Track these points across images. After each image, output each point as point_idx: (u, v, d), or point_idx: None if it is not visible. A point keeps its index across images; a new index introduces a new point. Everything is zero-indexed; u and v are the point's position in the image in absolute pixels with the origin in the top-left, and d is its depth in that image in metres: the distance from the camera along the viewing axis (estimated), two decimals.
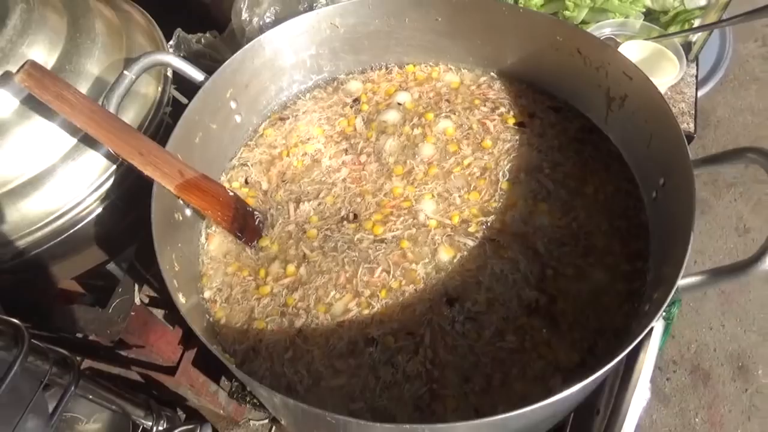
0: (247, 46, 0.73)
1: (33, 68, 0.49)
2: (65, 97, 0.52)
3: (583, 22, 0.87)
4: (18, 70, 0.49)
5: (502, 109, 0.78)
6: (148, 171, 0.58)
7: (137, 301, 0.84)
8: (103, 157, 0.73)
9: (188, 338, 0.95)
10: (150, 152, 0.58)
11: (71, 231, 0.73)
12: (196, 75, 0.70)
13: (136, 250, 0.85)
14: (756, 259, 0.49)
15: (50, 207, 0.72)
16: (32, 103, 0.70)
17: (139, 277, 0.82)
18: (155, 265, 0.60)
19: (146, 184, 0.66)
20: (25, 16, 0.70)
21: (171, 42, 0.89)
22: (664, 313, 0.60)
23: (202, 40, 0.91)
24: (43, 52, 0.71)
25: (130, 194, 0.77)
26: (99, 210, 0.76)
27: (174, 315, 0.96)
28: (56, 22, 0.74)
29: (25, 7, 0.71)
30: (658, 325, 0.61)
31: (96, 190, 0.74)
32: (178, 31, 0.91)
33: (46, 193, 0.72)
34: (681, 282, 0.52)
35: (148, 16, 0.87)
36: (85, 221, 0.76)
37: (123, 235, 0.83)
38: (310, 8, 0.82)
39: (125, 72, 0.64)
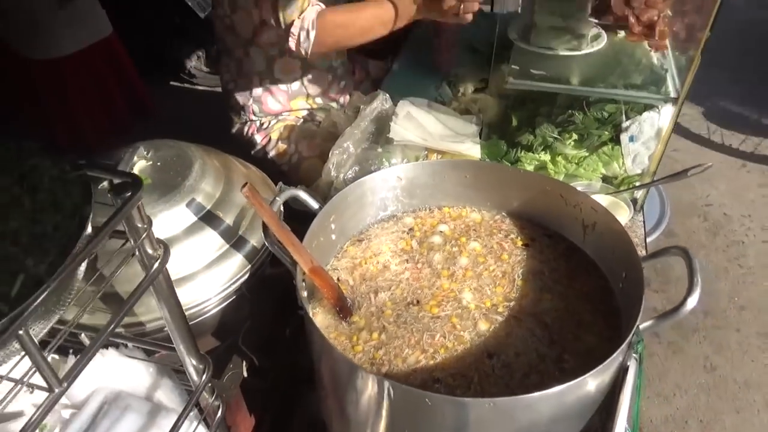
0: (345, 190, 1.10)
1: (249, 187, 0.85)
2: (262, 205, 0.87)
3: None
4: (243, 186, 0.84)
5: (512, 235, 1.15)
6: (296, 256, 0.91)
7: (245, 374, 1.10)
8: (239, 261, 1.06)
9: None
10: (297, 244, 0.92)
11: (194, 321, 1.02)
12: (314, 204, 1.06)
13: (243, 334, 1.13)
14: (681, 304, 0.82)
15: (185, 300, 1.02)
16: (196, 224, 1.05)
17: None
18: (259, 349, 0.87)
19: (267, 279, 0.98)
20: (202, 166, 1.09)
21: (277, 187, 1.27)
22: (635, 355, 0.90)
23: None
24: (212, 186, 1.08)
25: (254, 289, 1.08)
26: (223, 305, 1.06)
27: (254, 402, 1.19)
28: (218, 171, 1.12)
29: (200, 161, 1.10)
30: (632, 363, 0.90)
31: (226, 288, 1.05)
32: (280, 184, 1.29)
33: (188, 289, 1.03)
34: (642, 325, 0.83)
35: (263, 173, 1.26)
36: (209, 314, 1.06)
37: (237, 324, 1.12)
38: (378, 168, 1.21)
39: (277, 198, 1.00)
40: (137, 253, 0.67)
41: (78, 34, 2.62)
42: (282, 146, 1.58)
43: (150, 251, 0.68)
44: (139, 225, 0.65)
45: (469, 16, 1.26)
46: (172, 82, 3.72)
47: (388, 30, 1.36)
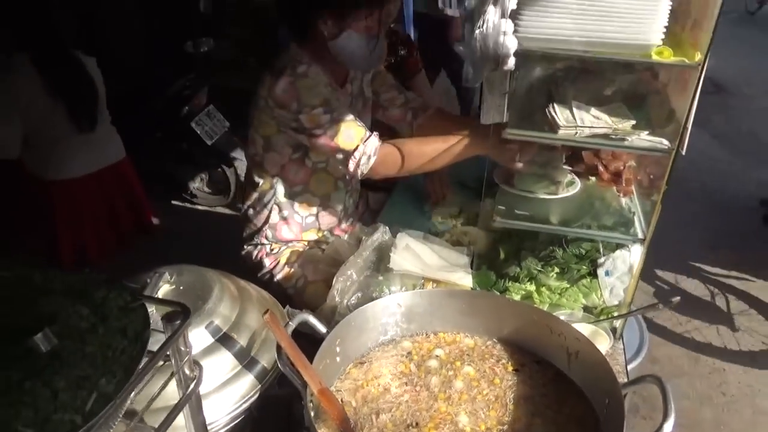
0: (349, 315, 1.20)
1: (270, 314, 0.95)
2: (280, 330, 0.96)
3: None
4: (265, 313, 0.95)
5: (504, 361, 1.24)
6: (306, 377, 0.99)
7: None
8: (249, 381, 1.14)
9: None
10: (308, 366, 1.00)
11: None
12: (322, 328, 1.16)
13: None
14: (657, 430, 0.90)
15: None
16: (213, 345, 1.13)
17: None
18: None
19: (273, 400, 1.05)
20: (220, 290, 1.19)
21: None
22: None
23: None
24: (229, 310, 1.18)
25: (262, 409, 1.14)
26: (232, 424, 1.12)
27: None
28: (234, 295, 1.23)
29: (219, 286, 1.20)
30: None
31: (236, 408, 1.11)
32: (287, 308, 1.39)
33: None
34: None
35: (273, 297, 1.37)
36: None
37: None
38: (379, 296, 1.33)
39: (290, 323, 1.10)
40: (177, 373, 0.76)
41: (93, 158, 2.81)
42: (289, 270, 1.70)
43: (188, 372, 0.77)
44: (183, 348, 0.75)
45: (521, 165, 1.41)
46: (174, 201, 3.90)
47: (443, 165, 1.56)
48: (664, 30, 1.07)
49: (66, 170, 2.72)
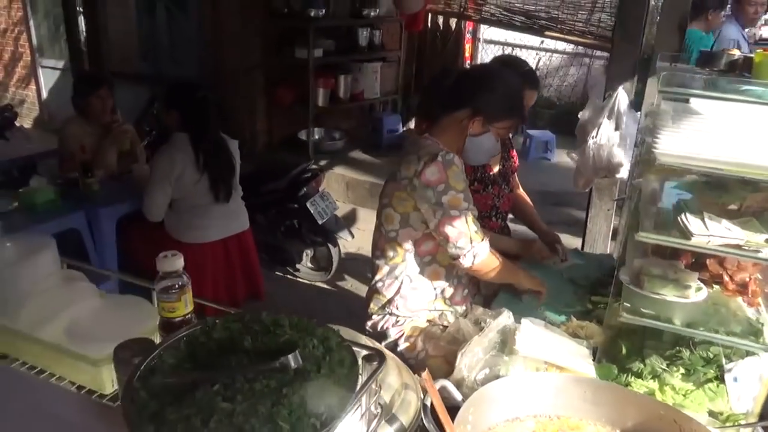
0: (483, 388, 1.30)
1: (427, 373, 1.08)
2: (433, 388, 1.09)
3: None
4: (423, 371, 1.07)
5: None
6: None
7: None
8: None
9: None
10: (451, 425, 1.10)
11: None
12: (458, 396, 1.26)
13: None
14: None
15: None
16: None
17: None
18: None
19: None
20: None
21: None
22: None
23: None
24: None
25: None
26: None
27: None
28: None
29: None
30: None
31: None
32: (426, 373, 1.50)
33: None
34: None
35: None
36: None
37: None
38: (505, 374, 1.42)
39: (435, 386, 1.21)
40: (368, 408, 0.89)
41: (224, 226, 3.14)
42: (412, 342, 1.83)
43: (373, 410, 0.91)
44: (374, 387, 0.89)
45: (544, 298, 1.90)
46: (277, 272, 4.17)
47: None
48: None
49: (200, 235, 3.05)
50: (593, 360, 1.50)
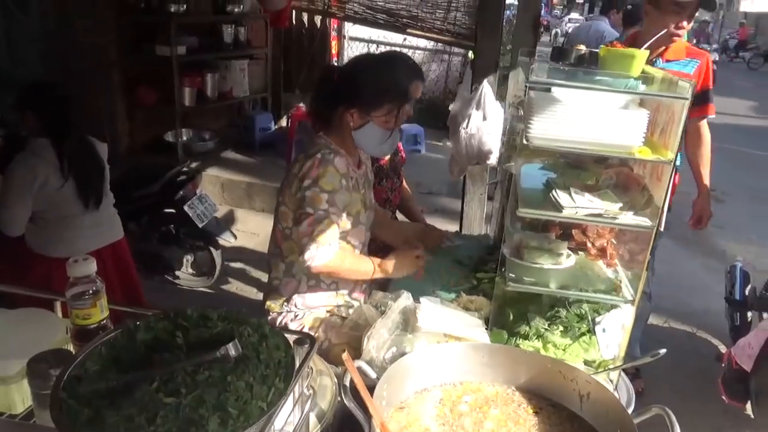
0: (394, 365, 1.38)
1: (348, 354, 1.13)
2: (354, 368, 1.14)
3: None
4: (343, 352, 1.13)
5: (524, 405, 1.43)
6: (373, 412, 1.16)
7: None
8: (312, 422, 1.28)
9: None
10: (372, 401, 1.17)
11: None
12: (373, 374, 1.33)
13: None
14: None
15: None
16: None
17: None
18: None
19: None
20: None
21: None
22: None
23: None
24: None
25: None
26: None
27: None
28: None
29: None
30: None
31: None
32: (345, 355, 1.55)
33: None
34: None
35: None
36: None
37: None
38: (411, 350, 1.51)
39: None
40: (301, 390, 0.93)
41: (96, 236, 2.93)
42: (314, 335, 1.86)
43: (306, 392, 0.95)
44: (307, 369, 0.93)
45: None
46: (156, 281, 3.97)
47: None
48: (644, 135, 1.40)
49: (70, 248, 2.82)
50: (486, 328, 1.65)
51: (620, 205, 1.50)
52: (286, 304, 1.91)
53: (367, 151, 1.95)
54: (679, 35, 2.19)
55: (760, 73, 17.25)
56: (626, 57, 1.58)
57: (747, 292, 2.98)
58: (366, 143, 1.88)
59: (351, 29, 7.78)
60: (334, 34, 7.53)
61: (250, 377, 0.77)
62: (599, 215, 1.49)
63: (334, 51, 7.50)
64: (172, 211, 3.73)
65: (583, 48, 1.88)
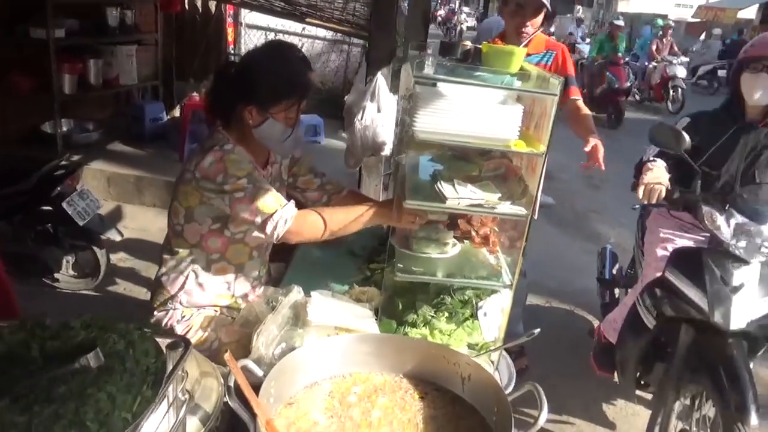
0: (282, 361, 1.37)
1: (230, 354, 1.11)
2: (237, 368, 1.13)
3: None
4: (225, 353, 1.11)
5: (411, 391, 1.48)
6: (257, 410, 1.15)
7: None
8: (195, 425, 1.25)
9: None
10: (257, 400, 1.17)
11: None
12: (259, 372, 1.31)
13: None
14: (535, 421, 1.20)
15: None
16: None
17: None
18: None
19: None
20: None
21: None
22: None
23: None
24: None
25: None
26: None
27: None
28: None
29: None
30: None
31: None
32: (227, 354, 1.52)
33: None
34: None
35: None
36: None
37: None
38: (300, 345, 1.52)
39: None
40: (175, 395, 0.91)
41: None
42: (202, 335, 1.81)
43: (181, 397, 0.93)
44: (180, 373, 0.91)
45: (416, 227, 1.73)
46: (32, 285, 3.67)
47: (354, 230, 1.80)
48: (519, 128, 1.48)
49: None
50: (376, 319, 1.69)
51: (499, 195, 1.59)
52: (171, 301, 1.83)
53: (270, 149, 1.89)
54: (523, 33, 2.34)
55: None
56: (506, 54, 1.66)
57: (615, 272, 3.26)
58: (268, 140, 1.81)
59: (248, 16, 7.56)
60: (230, 20, 7.26)
61: (112, 387, 0.73)
62: (480, 205, 1.56)
63: (230, 38, 7.25)
64: (49, 208, 3.45)
65: (468, 44, 1.95)
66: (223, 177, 1.69)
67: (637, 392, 2.76)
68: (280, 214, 1.70)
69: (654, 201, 2.06)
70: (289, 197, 1.88)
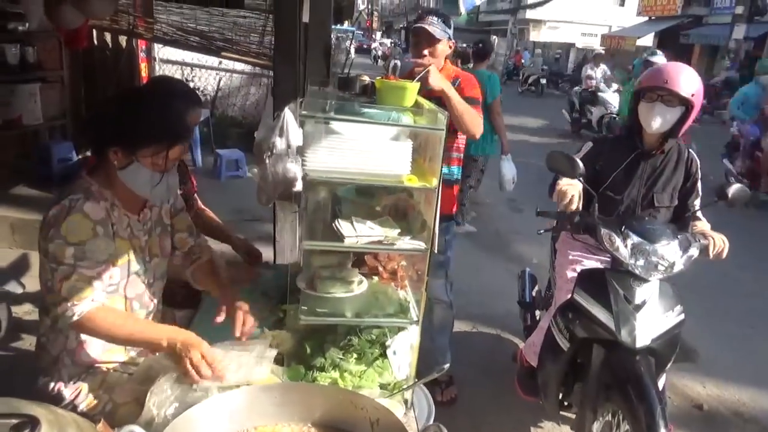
0: (174, 421, 1.27)
1: (103, 424, 1.01)
2: None
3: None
4: (99, 423, 1.01)
5: None
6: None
7: None
8: None
9: None
10: None
11: None
12: None
13: None
14: None
15: None
16: None
17: None
18: None
19: None
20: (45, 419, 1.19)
21: None
22: None
23: None
24: None
25: None
26: None
27: None
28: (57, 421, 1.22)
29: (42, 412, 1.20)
30: None
31: None
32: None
33: None
34: None
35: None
36: None
37: None
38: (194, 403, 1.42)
39: None
40: None
41: None
42: (93, 399, 1.66)
43: None
44: None
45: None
46: None
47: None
48: (410, 163, 1.47)
49: None
50: (276, 362, 1.61)
51: (399, 230, 1.57)
52: (55, 364, 1.68)
53: (139, 194, 1.72)
54: (420, 64, 2.40)
55: (545, 96, 19.55)
56: (398, 89, 1.66)
57: (534, 294, 3.32)
58: (133, 185, 1.67)
59: (162, 51, 7.38)
60: (143, 55, 7.06)
61: None
62: (380, 242, 1.53)
63: (144, 74, 7.03)
64: None
65: (366, 79, 1.95)
66: (53, 233, 1.55)
67: (562, 413, 2.79)
68: (72, 304, 1.53)
69: (569, 204, 2.11)
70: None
